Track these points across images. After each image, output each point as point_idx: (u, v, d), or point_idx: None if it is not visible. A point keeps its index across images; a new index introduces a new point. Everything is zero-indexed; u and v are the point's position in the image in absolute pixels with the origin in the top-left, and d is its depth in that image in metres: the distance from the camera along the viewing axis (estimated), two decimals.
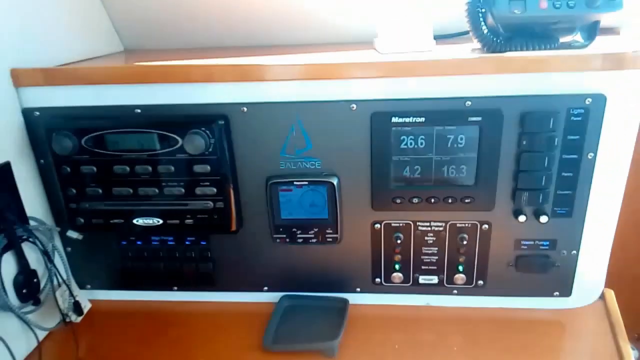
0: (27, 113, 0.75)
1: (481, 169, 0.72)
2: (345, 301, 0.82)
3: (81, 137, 0.72)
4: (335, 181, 0.75)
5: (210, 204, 0.75)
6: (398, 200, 0.75)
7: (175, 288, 0.86)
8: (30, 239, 0.73)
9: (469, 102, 0.69)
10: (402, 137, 0.72)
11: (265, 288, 0.85)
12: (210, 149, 0.72)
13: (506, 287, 0.80)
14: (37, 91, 0.75)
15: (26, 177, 0.76)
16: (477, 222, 0.77)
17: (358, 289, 0.83)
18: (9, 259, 0.71)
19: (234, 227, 0.78)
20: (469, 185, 0.74)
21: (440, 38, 0.81)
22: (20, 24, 0.75)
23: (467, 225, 0.77)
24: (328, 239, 0.79)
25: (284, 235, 0.79)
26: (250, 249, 0.82)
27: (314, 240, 0.79)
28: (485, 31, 0.69)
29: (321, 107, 0.72)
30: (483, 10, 0.68)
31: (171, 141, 0.72)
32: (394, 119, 0.70)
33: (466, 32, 0.74)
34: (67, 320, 0.79)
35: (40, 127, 0.75)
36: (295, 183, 0.75)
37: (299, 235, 0.79)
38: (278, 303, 0.83)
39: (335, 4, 0.91)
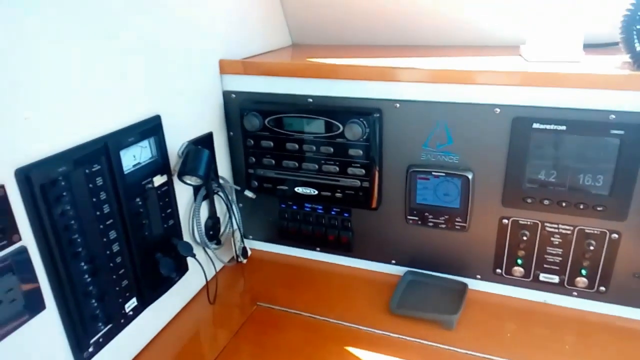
0: (226, 95, 0.96)
1: (618, 180, 0.75)
2: (464, 285, 0.91)
3: (265, 118, 0.91)
4: (470, 175, 0.84)
5: (358, 182, 0.90)
6: (529, 200, 0.82)
7: (318, 249, 1.03)
8: (220, 193, 0.95)
9: (613, 116, 0.72)
10: (541, 143, 0.78)
11: (393, 261, 0.97)
12: (365, 137, 0.86)
13: (628, 297, 0.82)
14: (235, 78, 0.95)
15: (220, 145, 0.97)
16: (606, 230, 0.80)
17: (478, 276, 0.92)
18: (204, 206, 0.94)
19: (374, 205, 0.91)
20: (602, 195, 0.77)
21: (589, 47, 0.84)
22: (227, 23, 0.95)
23: (595, 232, 0.80)
24: (456, 227, 0.88)
25: (417, 218, 0.90)
26: (385, 226, 0.95)
27: (443, 226, 0.89)
28: (638, 48, 0.71)
29: (466, 109, 0.81)
30: (638, 27, 0.71)
31: (334, 127, 0.87)
32: (535, 125, 0.77)
33: (616, 44, 0.76)
34: (238, 260, 1.00)
35: (234, 107, 0.95)
36: (433, 173, 0.86)
37: (430, 220, 0.89)
38: (403, 276, 0.95)
39: (484, 9, 0.98)
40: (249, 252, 1.03)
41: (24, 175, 0.57)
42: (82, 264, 0.67)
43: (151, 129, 0.78)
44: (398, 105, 0.85)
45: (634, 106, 0.71)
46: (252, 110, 0.91)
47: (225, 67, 0.94)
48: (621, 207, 0.77)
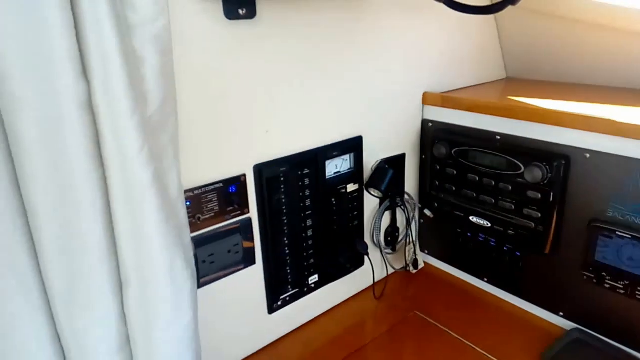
0: (424, 123, 1.09)
1: None
2: None
3: (452, 148, 1.00)
4: None
5: (532, 225, 0.90)
6: None
7: (485, 280, 1.06)
8: (402, 207, 1.09)
9: None
10: None
11: (561, 314, 0.94)
12: (546, 181, 0.86)
13: None
14: (434, 109, 1.06)
15: (410, 165, 1.11)
16: None
17: None
18: (387, 215, 1.09)
19: (547, 251, 0.90)
20: None
21: None
22: (437, 59, 1.07)
23: None
24: (637, 296, 0.80)
25: (593, 276, 0.85)
26: (557, 275, 0.92)
27: (621, 291, 0.82)
28: None
29: None
30: None
31: (515, 167, 0.90)
32: None
33: None
34: (407, 269, 1.12)
35: (429, 135, 1.07)
36: (617, 233, 0.80)
37: (607, 281, 0.83)
38: (570, 332, 0.91)
39: None
40: (421, 265, 1.14)
41: (258, 170, 0.83)
42: (285, 239, 0.91)
43: (353, 146, 0.98)
44: (589, 155, 0.82)
45: None
46: (442, 139, 1.01)
47: (427, 99, 1.07)
48: None
